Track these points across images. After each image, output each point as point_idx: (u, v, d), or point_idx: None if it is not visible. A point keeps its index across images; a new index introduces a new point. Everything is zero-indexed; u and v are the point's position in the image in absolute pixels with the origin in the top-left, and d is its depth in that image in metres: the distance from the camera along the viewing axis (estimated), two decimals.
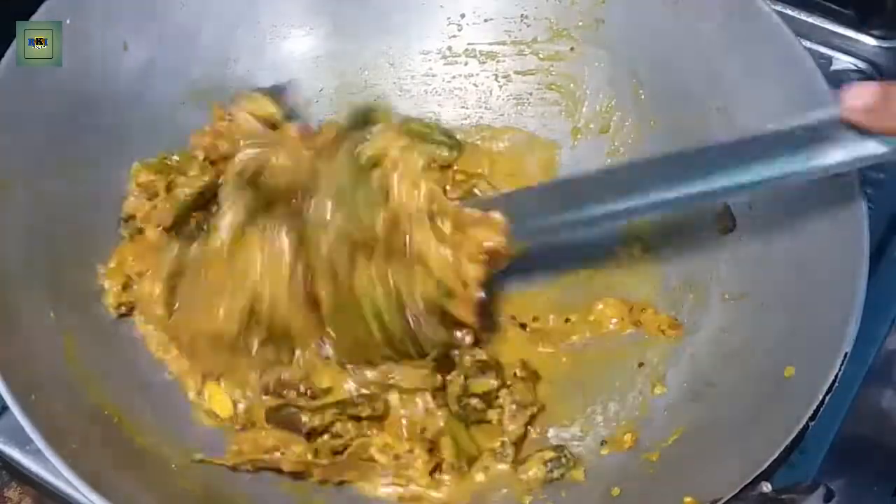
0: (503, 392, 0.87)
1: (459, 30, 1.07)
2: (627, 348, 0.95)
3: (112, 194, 0.91)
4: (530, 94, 1.07)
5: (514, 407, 0.86)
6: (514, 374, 0.89)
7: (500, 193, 0.96)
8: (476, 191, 1.00)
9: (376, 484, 0.82)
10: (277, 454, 0.79)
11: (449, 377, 0.85)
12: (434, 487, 0.82)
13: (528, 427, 0.87)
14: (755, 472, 0.69)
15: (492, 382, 0.86)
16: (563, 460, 0.85)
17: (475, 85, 1.09)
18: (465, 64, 1.08)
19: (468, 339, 0.85)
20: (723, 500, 0.69)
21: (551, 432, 0.89)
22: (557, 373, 0.94)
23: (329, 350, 0.82)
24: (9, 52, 0.82)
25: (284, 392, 0.82)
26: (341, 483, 0.82)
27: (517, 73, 1.07)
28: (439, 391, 0.84)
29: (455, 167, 1.03)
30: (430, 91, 1.09)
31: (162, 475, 0.78)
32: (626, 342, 0.95)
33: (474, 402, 0.85)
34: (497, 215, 0.83)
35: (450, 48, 1.08)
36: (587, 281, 0.99)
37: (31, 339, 0.77)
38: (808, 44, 0.87)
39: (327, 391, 0.82)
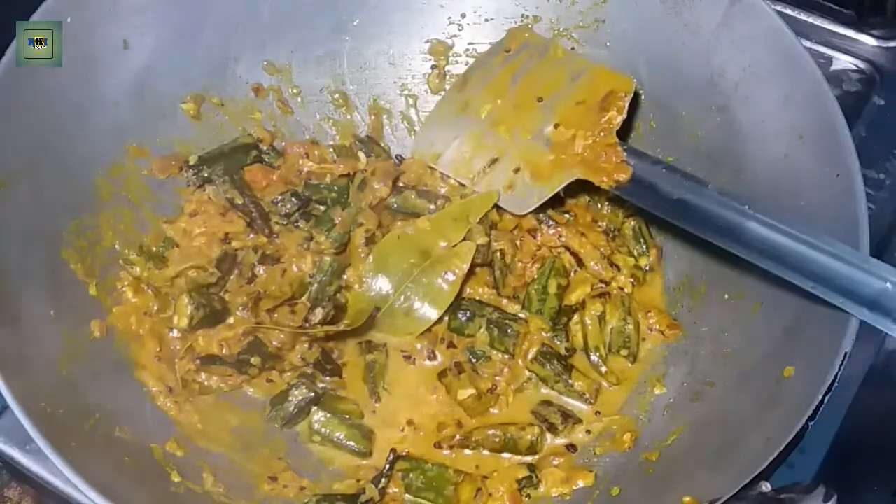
0: None
1: (460, 29, 1.07)
2: None
3: (112, 193, 0.91)
4: None
5: None
6: None
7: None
8: None
9: None
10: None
11: None
12: None
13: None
14: (755, 472, 0.69)
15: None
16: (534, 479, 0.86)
17: None
18: (466, 63, 1.08)
19: None
20: (722, 500, 0.69)
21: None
22: None
23: None
24: (9, 52, 0.82)
25: None
26: None
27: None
28: None
29: None
30: (430, 90, 1.09)
31: (160, 475, 0.78)
32: None
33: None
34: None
35: (451, 48, 1.08)
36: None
37: (31, 340, 0.77)
38: (808, 44, 0.87)
39: None
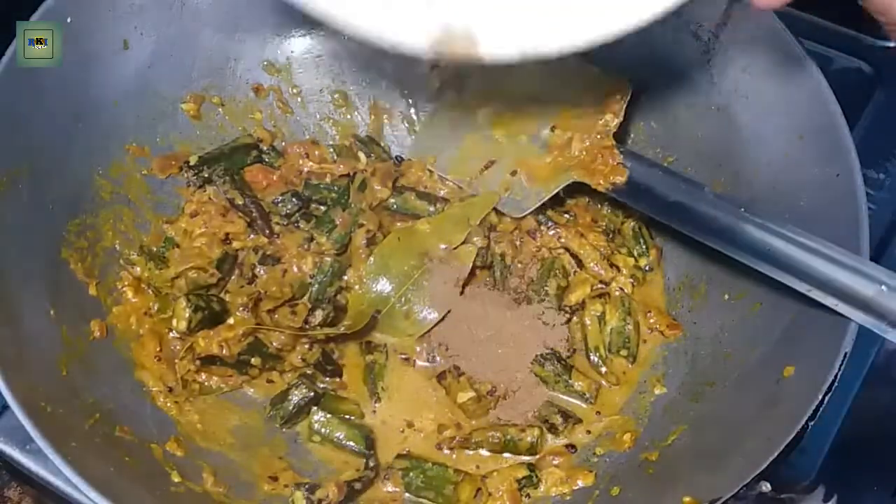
0: None
1: None
2: None
3: (112, 193, 0.92)
4: None
5: None
6: None
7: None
8: None
9: None
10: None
11: None
12: None
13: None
14: (755, 472, 0.69)
15: None
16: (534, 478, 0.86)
17: None
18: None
19: None
20: (722, 500, 0.69)
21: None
22: None
23: None
24: (9, 52, 0.82)
25: None
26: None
27: None
28: None
29: None
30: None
31: (160, 475, 0.78)
32: None
33: None
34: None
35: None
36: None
37: (31, 340, 0.77)
38: (808, 44, 0.87)
39: None
